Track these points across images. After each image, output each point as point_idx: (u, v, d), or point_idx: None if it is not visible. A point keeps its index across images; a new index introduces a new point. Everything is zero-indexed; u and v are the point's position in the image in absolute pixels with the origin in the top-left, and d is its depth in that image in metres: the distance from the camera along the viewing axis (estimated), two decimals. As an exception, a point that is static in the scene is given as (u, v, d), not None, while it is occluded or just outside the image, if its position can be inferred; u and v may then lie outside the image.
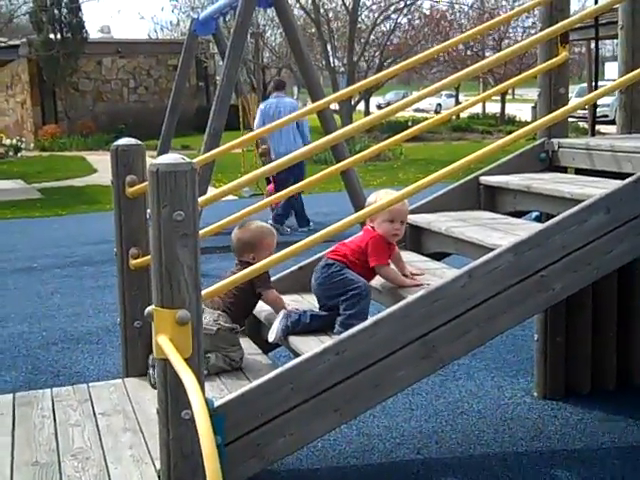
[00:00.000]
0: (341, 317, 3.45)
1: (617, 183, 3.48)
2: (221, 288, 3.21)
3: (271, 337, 3.56)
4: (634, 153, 3.75)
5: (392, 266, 3.68)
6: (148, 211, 2.75)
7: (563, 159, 4.37)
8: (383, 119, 3.95)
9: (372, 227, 3.66)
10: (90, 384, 3.78)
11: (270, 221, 10.52)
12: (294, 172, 9.23)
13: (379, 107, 41.57)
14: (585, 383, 4.63)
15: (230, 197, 13.42)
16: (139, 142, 3.83)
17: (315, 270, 3.68)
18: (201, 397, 2.24)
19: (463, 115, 35.65)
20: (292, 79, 37.87)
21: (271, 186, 10.76)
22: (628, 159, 3.79)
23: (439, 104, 46.50)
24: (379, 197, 3.61)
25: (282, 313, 3.57)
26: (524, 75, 4.69)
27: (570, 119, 24.99)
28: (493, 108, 37.94)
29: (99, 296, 7.30)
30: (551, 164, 4.45)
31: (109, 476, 2.83)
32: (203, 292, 2.89)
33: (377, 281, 3.71)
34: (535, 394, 4.66)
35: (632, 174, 3.49)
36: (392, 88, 52.08)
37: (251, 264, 3.40)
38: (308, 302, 3.93)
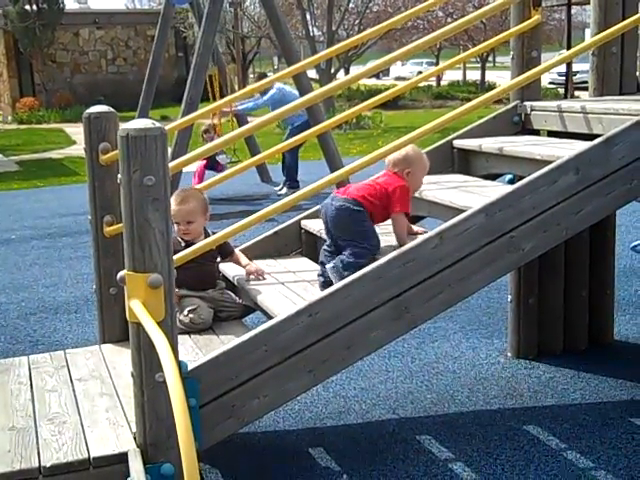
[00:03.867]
0: (344, 256, 3.41)
1: (587, 144, 3.51)
2: (191, 253, 3.25)
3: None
4: (604, 114, 3.78)
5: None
6: (119, 176, 2.75)
7: (536, 122, 4.39)
8: (356, 81, 3.99)
9: (395, 173, 3.60)
10: (67, 351, 3.80)
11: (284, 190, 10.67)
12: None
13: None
14: (557, 343, 4.71)
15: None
16: (111, 109, 3.81)
17: (333, 198, 3.54)
18: (173, 360, 2.27)
19: (443, 83, 35.55)
20: (272, 49, 37.55)
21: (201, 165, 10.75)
22: (599, 120, 3.82)
23: (420, 72, 46.32)
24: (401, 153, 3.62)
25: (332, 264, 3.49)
26: (497, 38, 4.67)
27: (551, 85, 24.81)
28: (474, 75, 37.86)
29: (77, 266, 7.31)
30: (524, 127, 4.46)
31: (85, 439, 2.86)
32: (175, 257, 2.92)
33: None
34: (509, 354, 4.73)
35: (602, 135, 3.52)
36: (373, 57, 51.72)
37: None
38: (283, 267, 3.97)
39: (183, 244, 3.63)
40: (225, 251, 3.87)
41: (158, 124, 2.70)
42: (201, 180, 11.32)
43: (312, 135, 4.43)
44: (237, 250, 3.97)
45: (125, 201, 2.68)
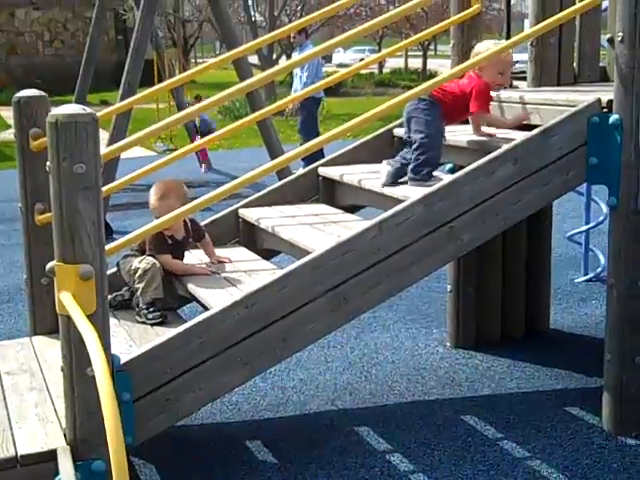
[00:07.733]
0: (412, 165, 3.68)
1: (525, 134, 3.52)
2: (124, 243, 3.18)
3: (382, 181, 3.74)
4: (542, 105, 3.80)
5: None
6: (48, 164, 2.66)
7: (475, 111, 4.39)
8: (296, 66, 3.96)
9: (476, 75, 3.78)
10: (-5, 343, 3.68)
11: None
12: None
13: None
14: (495, 332, 4.75)
15: (146, 153, 13.21)
16: (43, 93, 3.69)
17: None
18: (102, 355, 2.19)
19: (385, 70, 35.68)
20: (213, 34, 37.16)
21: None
22: (537, 111, 3.84)
23: (362, 59, 46.41)
24: (484, 47, 3.79)
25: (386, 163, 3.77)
26: (438, 26, 4.66)
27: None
28: (415, 64, 38.03)
29: (10, 254, 7.11)
30: (464, 117, 4.46)
31: (12, 436, 2.76)
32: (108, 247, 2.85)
33: (289, 235, 3.67)
34: (448, 344, 4.75)
35: (540, 126, 3.53)
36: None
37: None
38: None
39: (169, 241, 3.65)
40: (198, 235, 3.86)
41: (89, 110, 2.62)
42: (206, 155, 11.40)
43: (252, 121, 4.38)
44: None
45: (54, 190, 2.60)
